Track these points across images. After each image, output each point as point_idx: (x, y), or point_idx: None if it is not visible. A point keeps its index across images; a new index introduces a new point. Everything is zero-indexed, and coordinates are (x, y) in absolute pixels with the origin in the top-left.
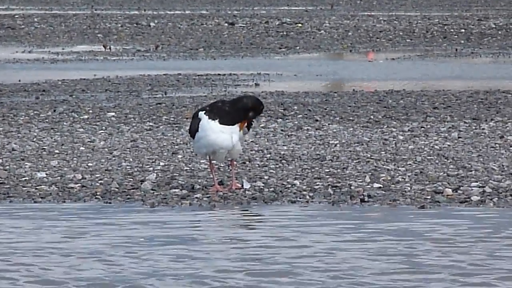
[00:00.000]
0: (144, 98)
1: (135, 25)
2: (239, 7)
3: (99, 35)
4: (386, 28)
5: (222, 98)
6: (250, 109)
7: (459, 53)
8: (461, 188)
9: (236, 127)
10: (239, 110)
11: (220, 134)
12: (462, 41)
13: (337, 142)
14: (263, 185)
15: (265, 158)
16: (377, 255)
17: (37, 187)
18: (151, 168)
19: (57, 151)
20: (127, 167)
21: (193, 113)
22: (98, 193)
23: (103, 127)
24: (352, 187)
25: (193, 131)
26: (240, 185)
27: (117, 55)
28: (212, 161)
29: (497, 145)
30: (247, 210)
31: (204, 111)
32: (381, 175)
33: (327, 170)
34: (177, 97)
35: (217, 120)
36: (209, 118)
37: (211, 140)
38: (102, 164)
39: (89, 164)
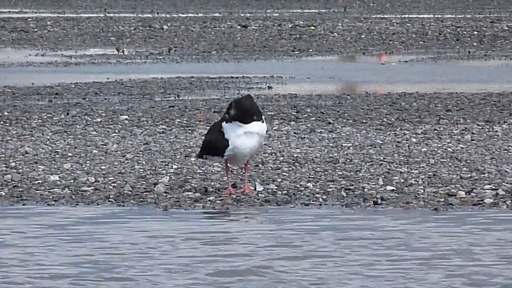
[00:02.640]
0: (157, 101)
1: (148, 28)
2: (252, 9)
3: (112, 38)
4: (399, 30)
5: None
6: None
7: (472, 55)
8: (474, 190)
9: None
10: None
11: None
12: (475, 44)
13: (350, 144)
14: (276, 187)
15: (278, 161)
16: None
17: (50, 190)
18: (164, 171)
19: (70, 154)
20: (140, 170)
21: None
22: (111, 196)
23: (116, 130)
24: (365, 190)
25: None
26: (252, 188)
27: (130, 58)
28: (228, 164)
29: (510, 147)
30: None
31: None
32: (394, 177)
33: (340, 173)
34: (190, 100)
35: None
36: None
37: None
38: (115, 167)
39: (102, 167)
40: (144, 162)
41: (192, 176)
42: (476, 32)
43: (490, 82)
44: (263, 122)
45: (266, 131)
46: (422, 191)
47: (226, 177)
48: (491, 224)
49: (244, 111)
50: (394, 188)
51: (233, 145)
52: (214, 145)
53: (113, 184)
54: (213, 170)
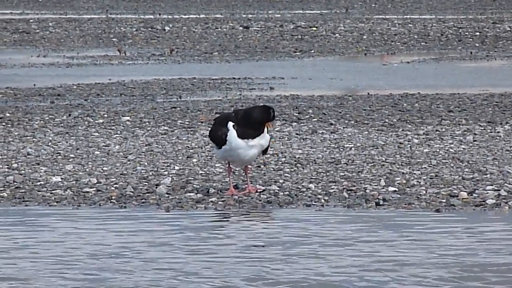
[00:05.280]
0: (159, 102)
1: (150, 29)
2: (254, 10)
3: (114, 39)
4: (401, 31)
5: (243, 108)
6: (264, 122)
7: (474, 56)
8: (476, 191)
9: (257, 139)
10: (256, 124)
11: (248, 149)
12: (477, 44)
13: (352, 145)
14: (278, 188)
15: (280, 162)
16: None
17: (52, 192)
18: (166, 172)
19: (72, 155)
20: (142, 171)
21: (218, 118)
22: (113, 197)
23: (118, 131)
24: (367, 191)
25: (220, 141)
26: (257, 187)
27: (132, 59)
28: (230, 165)
29: None
30: None
31: (233, 124)
32: (396, 178)
33: (342, 174)
34: (192, 101)
35: (249, 139)
36: (237, 135)
37: (237, 155)
38: (117, 168)
39: (104, 168)
40: (146, 163)
41: (194, 177)
42: (478, 33)
43: (492, 83)
44: (266, 132)
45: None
46: (424, 192)
47: (228, 178)
48: None
49: (247, 132)
50: (396, 189)
51: (230, 147)
52: (216, 137)
53: (115, 185)
54: (215, 171)
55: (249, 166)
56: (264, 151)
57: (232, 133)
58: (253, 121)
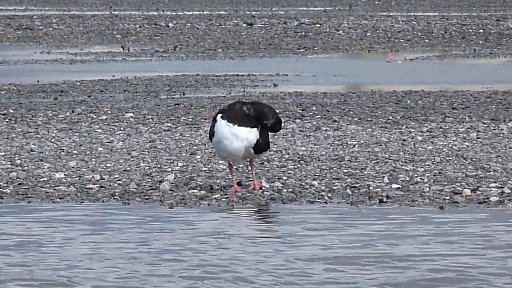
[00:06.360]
0: (163, 99)
1: (153, 25)
2: (258, 7)
3: (117, 36)
4: (404, 28)
5: (241, 100)
6: (268, 123)
7: (477, 53)
8: (480, 188)
9: (252, 130)
10: (258, 119)
11: (233, 140)
12: (481, 42)
13: (356, 142)
14: (281, 185)
15: (284, 159)
16: None
17: (55, 188)
18: (169, 169)
19: (75, 151)
20: (146, 167)
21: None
22: (116, 194)
23: (122, 128)
24: (370, 188)
25: (211, 134)
26: (262, 185)
27: (136, 56)
28: (231, 162)
29: None
30: None
31: (221, 114)
32: (400, 175)
33: (346, 171)
34: (196, 97)
35: (235, 125)
36: (227, 121)
37: (223, 146)
38: (120, 165)
39: (108, 165)
40: (149, 160)
41: (198, 174)
42: (481, 30)
43: (496, 80)
44: (257, 128)
45: (257, 140)
46: (428, 189)
47: (231, 175)
48: None
49: (238, 116)
50: (400, 186)
51: (218, 138)
52: (210, 131)
53: (118, 182)
54: (219, 168)
55: (254, 163)
56: (257, 151)
57: (219, 122)
58: (254, 114)
